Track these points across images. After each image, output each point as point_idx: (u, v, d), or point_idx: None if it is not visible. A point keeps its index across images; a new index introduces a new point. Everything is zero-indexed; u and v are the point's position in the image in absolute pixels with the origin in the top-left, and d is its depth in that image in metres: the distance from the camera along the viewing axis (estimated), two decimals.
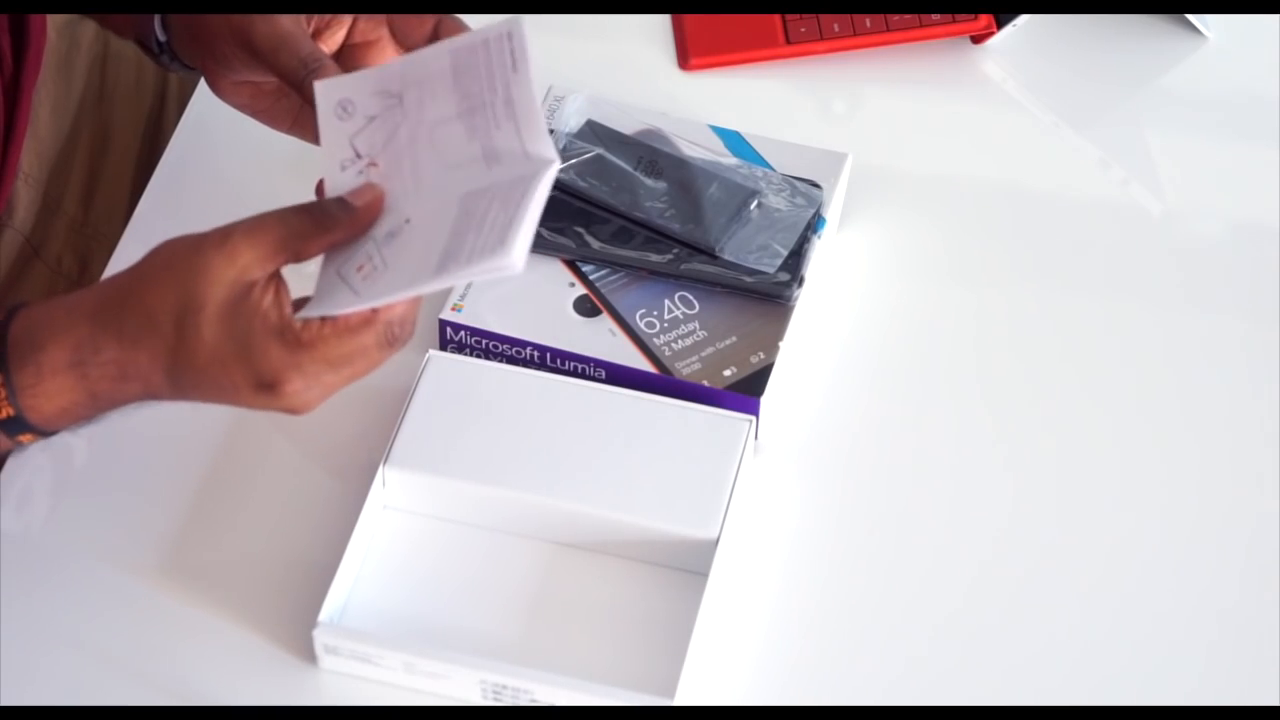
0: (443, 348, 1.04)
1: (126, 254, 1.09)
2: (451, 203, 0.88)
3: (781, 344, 1.03)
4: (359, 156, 0.92)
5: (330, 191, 0.91)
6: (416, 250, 0.88)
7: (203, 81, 1.18)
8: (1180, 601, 0.98)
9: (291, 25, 0.96)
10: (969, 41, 1.21)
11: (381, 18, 0.99)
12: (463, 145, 0.90)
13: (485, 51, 0.90)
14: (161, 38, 1.01)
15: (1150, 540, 1.00)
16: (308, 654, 0.94)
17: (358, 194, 0.89)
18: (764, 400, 1.01)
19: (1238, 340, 1.08)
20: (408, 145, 0.91)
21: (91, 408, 0.88)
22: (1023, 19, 1.19)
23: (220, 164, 1.14)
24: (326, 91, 0.93)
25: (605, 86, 1.14)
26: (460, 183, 0.89)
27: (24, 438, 0.88)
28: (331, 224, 0.88)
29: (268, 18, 0.95)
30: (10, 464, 1.01)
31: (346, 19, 0.98)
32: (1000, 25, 1.19)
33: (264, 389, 0.86)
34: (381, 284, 0.86)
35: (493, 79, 0.90)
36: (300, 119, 1.00)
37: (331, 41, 0.98)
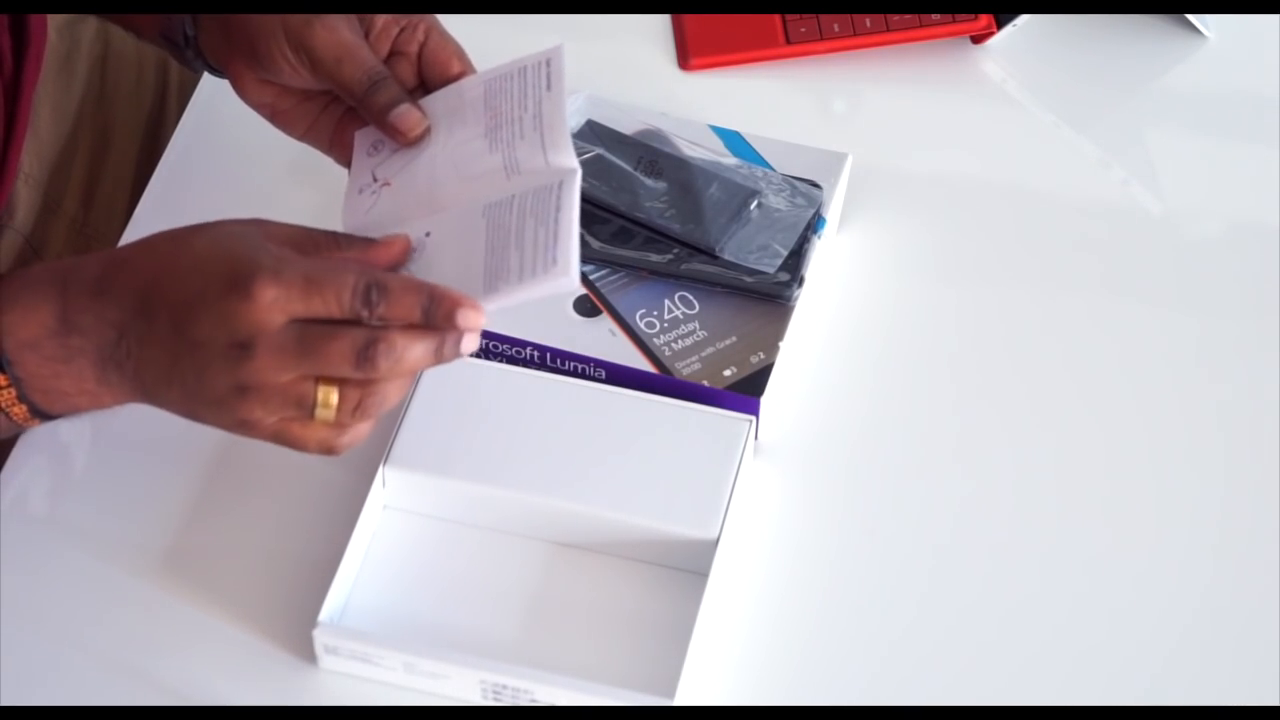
0: None
1: None
2: (474, 215, 0.88)
3: (781, 344, 1.03)
4: (374, 179, 0.92)
5: (345, 216, 0.91)
6: (448, 266, 0.87)
7: (203, 81, 1.18)
8: (1180, 601, 0.98)
9: (352, 35, 0.95)
10: (969, 41, 1.21)
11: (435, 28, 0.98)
12: (483, 158, 0.90)
13: (521, 77, 0.91)
14: (190, 32, 1.01)
15: (1151, 540, 1.00)
16: (308, 654, 0.94)
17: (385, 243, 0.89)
18: (764, 400, 1.01)
19: (1237, 340, 1.08)
20: (425, 164, 0.91)
21: (64, 336, 0.86)
22: (1023, 19, 1.19)
23: (220, 165, 1.14)
24: (364, 135, 0.94)
25: (605, 86, 1.14)
26: (480, 194, 0.89)
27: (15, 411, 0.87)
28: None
29: (327, 24, 0.94)
30: (9, 464, 1.01)
31: (395, 30, 0.97)
32: (1000, 25, 1.19)
33: (234, 290, 0.83)
34: None
35: (524, 98, 0.90)
36: (315, 126, 1.00)
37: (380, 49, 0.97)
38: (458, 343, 0.85)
